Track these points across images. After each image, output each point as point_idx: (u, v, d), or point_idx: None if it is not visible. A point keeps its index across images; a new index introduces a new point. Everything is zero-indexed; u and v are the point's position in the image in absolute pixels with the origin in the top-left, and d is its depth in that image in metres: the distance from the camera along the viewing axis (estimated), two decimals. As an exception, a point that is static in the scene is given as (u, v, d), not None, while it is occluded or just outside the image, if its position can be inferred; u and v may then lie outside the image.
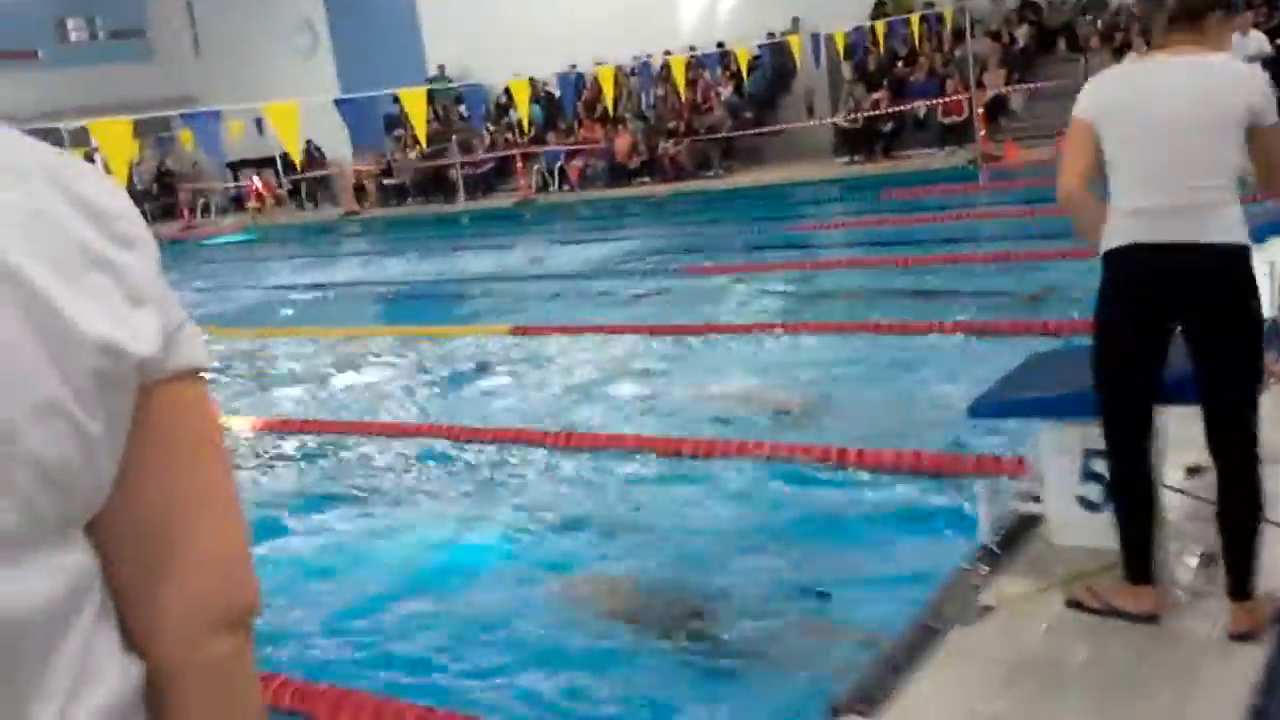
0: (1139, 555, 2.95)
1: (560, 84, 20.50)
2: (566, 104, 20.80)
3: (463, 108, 23.20)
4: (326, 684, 3.42)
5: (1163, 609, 2.96)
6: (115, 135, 9.01)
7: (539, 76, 21.07)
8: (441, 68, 24.05)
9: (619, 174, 20.74)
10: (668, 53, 20.89)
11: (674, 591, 3.99)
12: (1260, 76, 2.75)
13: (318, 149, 23.92)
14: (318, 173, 24.36)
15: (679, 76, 18.91)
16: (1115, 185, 2.84)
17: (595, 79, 20.65)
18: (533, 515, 4.85)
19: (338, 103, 14.19)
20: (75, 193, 0.76)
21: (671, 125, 20.81)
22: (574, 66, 20.75)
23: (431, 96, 21.84)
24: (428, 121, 18.20)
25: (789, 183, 17.76)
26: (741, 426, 5.72)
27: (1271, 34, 15.82)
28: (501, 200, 21.13)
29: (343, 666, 3.67)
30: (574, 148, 21.46)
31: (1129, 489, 2.94)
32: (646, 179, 20.31)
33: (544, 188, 21.31)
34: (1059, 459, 3.34)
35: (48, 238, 0.73)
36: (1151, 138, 2.76)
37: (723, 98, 20.95)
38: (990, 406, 3.45)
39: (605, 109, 20.71)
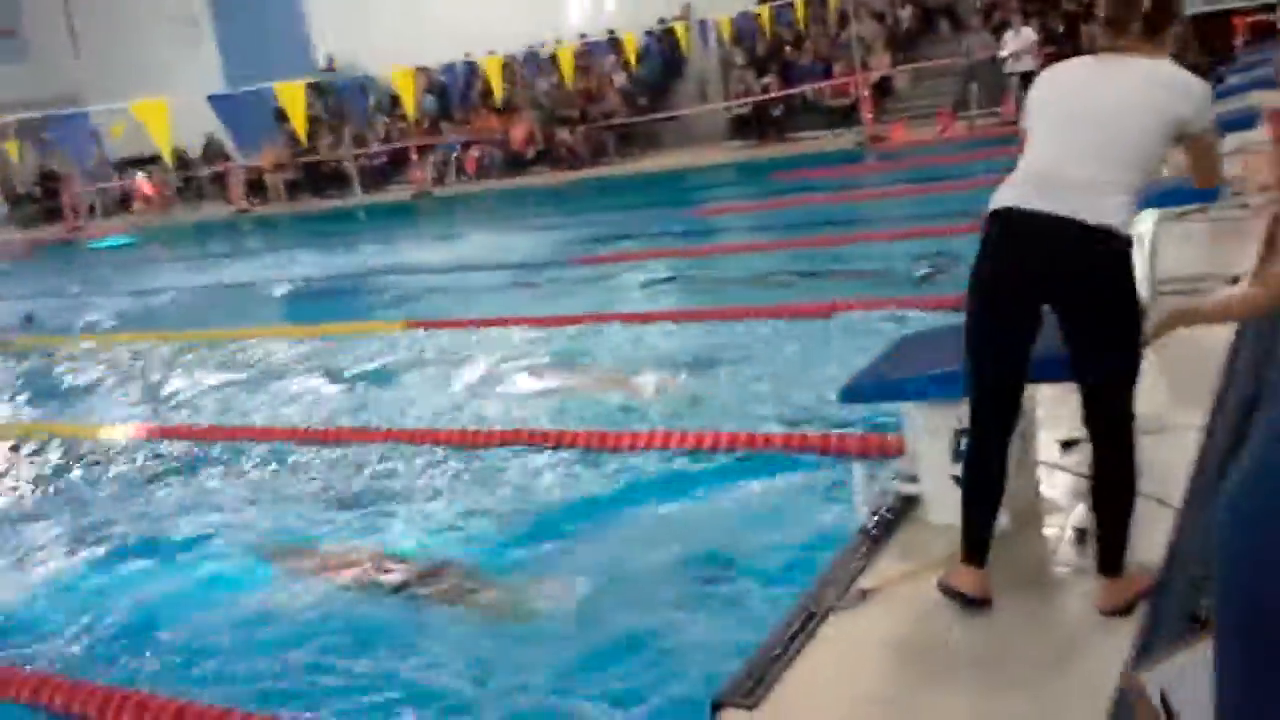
0: (974, 536, 2.95)
1: (448, 74, 20.26)
2: (455, 94, 20.58)
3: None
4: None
5: (987, 592, 2.94)
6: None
7: (429, 66, 20.79)
8: (330, 59, 23.59)
9: (516, 164, 20.58)
10: (559, 41, 20.78)
11: (561, 577, 3.96)
12: (1198, 88, 2.80)
13: (220, 143, 23.35)
14: (207, 170, 23.70)
15: (567, 65, 18.84)
16: (1021, 156, 2.88)
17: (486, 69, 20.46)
18: (424, 512, 4.78)
19: (212, 99, 13.80)
20: None
21: (566, 114, 20.70)
22: (468, 55, 20.53)
23: (321, 89, 21.44)
24: (317, 115, 17.91)
25: (683, 169, 17.80)
26: (632, 415, 5.69)
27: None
28: (399, 194, 20.81)
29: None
30: (470, 139, 21.22)
31: (980, 466, 2.94)
32: (544, 168, 20.19)
33: (440, 180, 21.03)
34: (931, 439, 3.36)
35: None
36: (1065, 118, 2.81)
37: (616, 85, 20.90)
38: (861, 390, 3.45)
39: (501, 99, 20.52)
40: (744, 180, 16.18)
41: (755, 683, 2.77)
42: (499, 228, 14.40)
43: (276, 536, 4.82)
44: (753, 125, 19.00)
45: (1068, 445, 3.69)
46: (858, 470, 3.69)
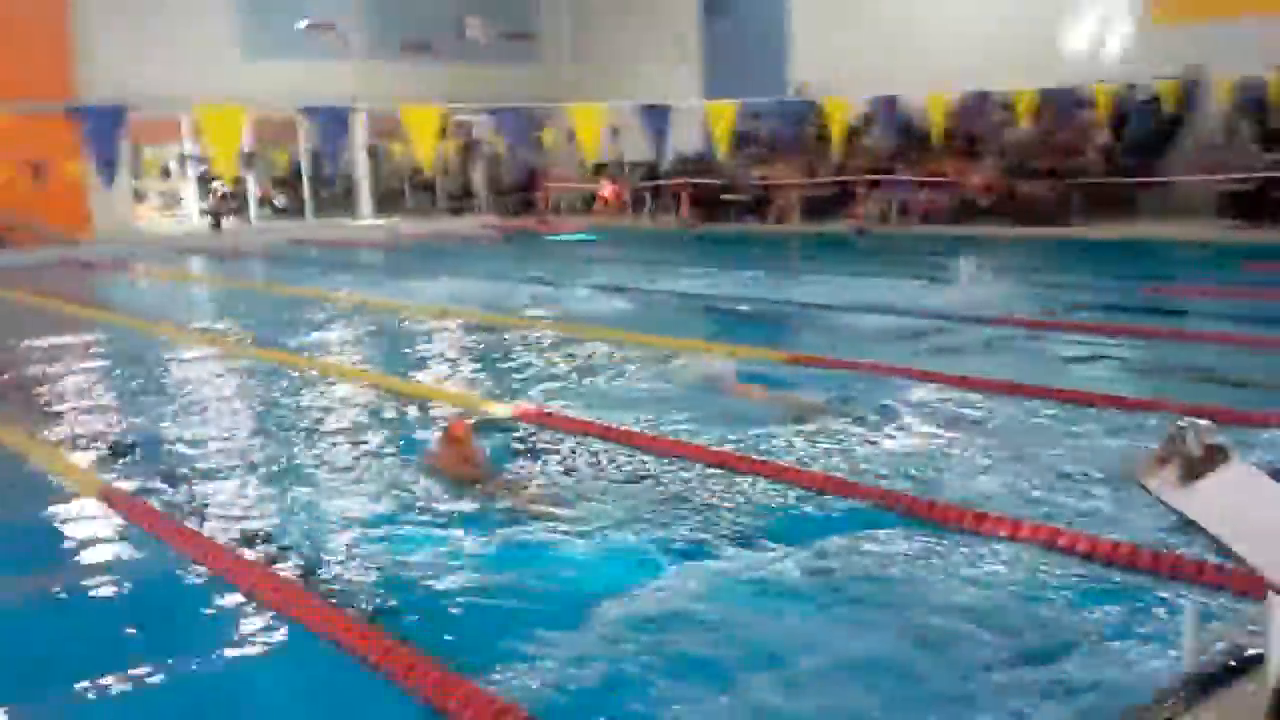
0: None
1: (908, 108, 19.59)
2: (914, 130, 19.83)
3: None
4: None
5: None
6: (423, 119, 9.29)
7: (903, 99, 20.20)
8: (801, 84, 23.65)
9: (968, 211, 19.45)
10: (1043, 88, 19.36)
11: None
12: None
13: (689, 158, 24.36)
14: (660, 183, 24.64)
15: (1037, 112, 17.47)
16: None
17: (964, 106, 19.61)
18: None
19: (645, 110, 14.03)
20: None
21: (1035, 165, 19.26)
22: (942, 90, 19.67)
23: (791, 113, 21.55)
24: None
25: (1154, 239, 15.90)
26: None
27: None
28: (837, 226, 20.42)
29: None
30: (923, 179, 20.37)
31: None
32: (998, 219, 18.90)
33: (883, 218, 20.36)
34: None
35: None
36: None
37: (1098, 141, 19.15)
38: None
39: (965, 140, 19.52)
40: (1220, 262, 14.13)
41: None
42: (929, 274, 13.49)
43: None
44: (1250, 204, 16.58)
45: None
46: (1190, 607, 3.12)
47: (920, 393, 7.06)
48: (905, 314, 10.39)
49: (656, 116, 16.30)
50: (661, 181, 24.52)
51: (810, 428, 6.30)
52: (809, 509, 5.04)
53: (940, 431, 6.19)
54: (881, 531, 4.63)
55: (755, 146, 23.59)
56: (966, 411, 6.62)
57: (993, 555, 4.35)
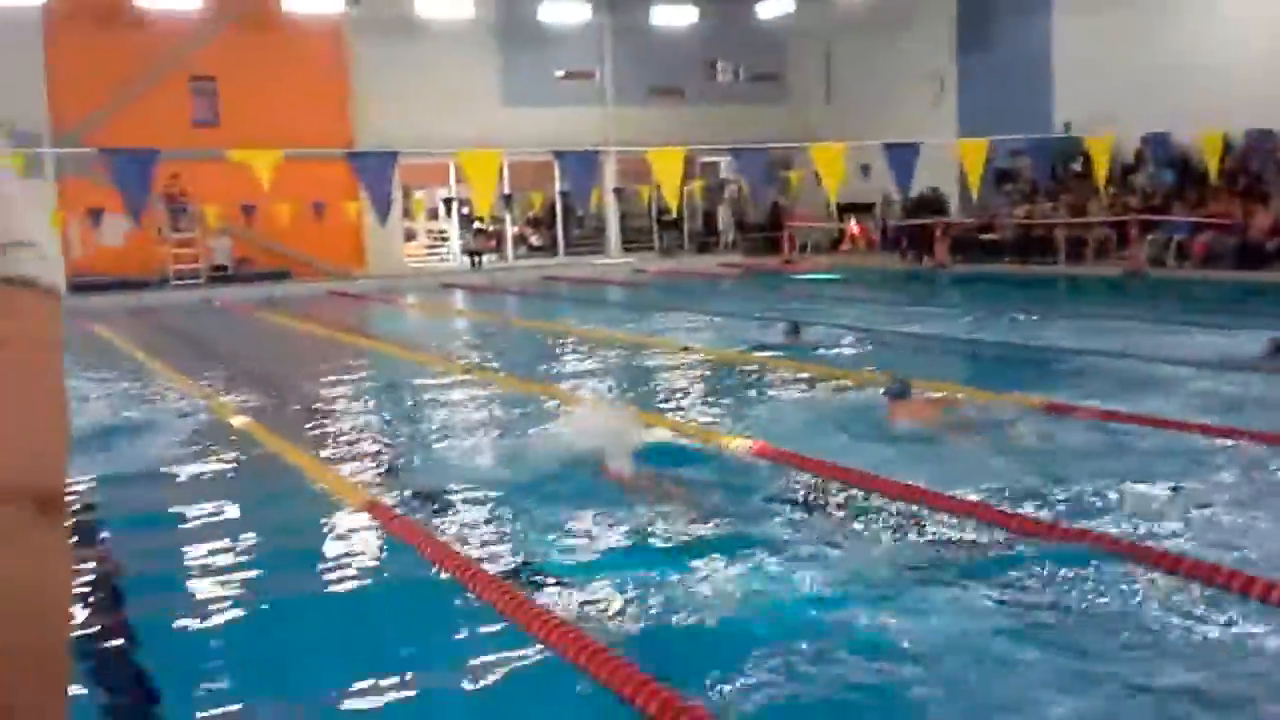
0: None
1: (1183, 146, 18.24)
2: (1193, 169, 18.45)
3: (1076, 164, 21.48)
4: None
5: None
6: (669, 161, 9.30)
7: (1174, 136, 18.89)
8: (1068, 124, 22.52)
9: (1253, 255, 17.88)
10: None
11: None
12: None
13: (941, 198, 23.74)
14: (914, 221, 24.00)
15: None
16: None
17: (1247, 143, 18.14)
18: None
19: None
20: None
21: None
22: (1221, 127, 18.25)
23: (1055, 150, 20.58)
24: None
25: None
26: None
27: None
28: (1108, 269, 19.21)
29: None
30: (1201, 220, 18.90)
31: None
32: (1287, 265, 17.28)
33: (1158, 261, 18.99)
34: None
35: None
36: None
37: None
38: None
39: (1250, 179, 18.00)
40: None
41: None
42: (1202, 320, 12.37)
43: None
44: None
45: None
46: None
47: (1206, 445, 6.41)
48: (1188, 364, 9.49)
49: (907, 154, 15.86)
50: (914, 220, 23.90)
51: (1061, 476, 5.82)
52: (1046, 557, 4.59)
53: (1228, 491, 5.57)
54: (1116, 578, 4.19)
55: (1016, 184, 22.62)
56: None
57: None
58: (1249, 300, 15.34)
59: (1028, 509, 5.31)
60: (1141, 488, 5.57)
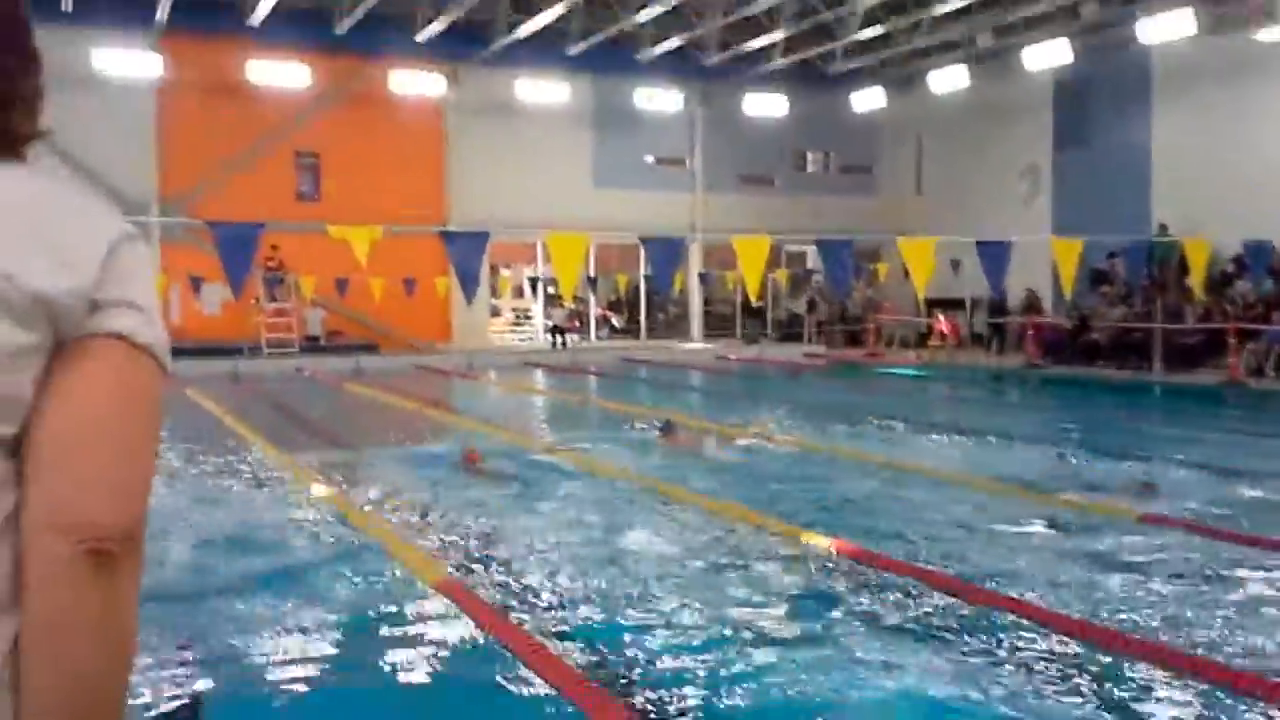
0: None
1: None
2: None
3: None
4: None
5: None
6: (753, 249, 9.27)
7: (1277, 244, 18.37)
8: (1164, 226, 22.08)
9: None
10: None
11: None
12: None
13: (1036, 296, 23.36)
14: (1005, 319, 23.61)
15: None
16: None
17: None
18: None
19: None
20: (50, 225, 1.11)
21: None
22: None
23: (1151, 253, 20.17)
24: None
25: None
26: None
27: None
28: (1206, 377, 18.60)
29: None
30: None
31: None
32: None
33: (1259, 370, 18.36)
34: None
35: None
36: None
37: None
38: None
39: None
40: None
41: None
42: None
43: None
44: None
45: None
46: None
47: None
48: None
49: (998, 250, 15.63)
50: (1005, 318, 23.51)
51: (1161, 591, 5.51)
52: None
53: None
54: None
55: (1111, 286, 22.17)
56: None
57: None
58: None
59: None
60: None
